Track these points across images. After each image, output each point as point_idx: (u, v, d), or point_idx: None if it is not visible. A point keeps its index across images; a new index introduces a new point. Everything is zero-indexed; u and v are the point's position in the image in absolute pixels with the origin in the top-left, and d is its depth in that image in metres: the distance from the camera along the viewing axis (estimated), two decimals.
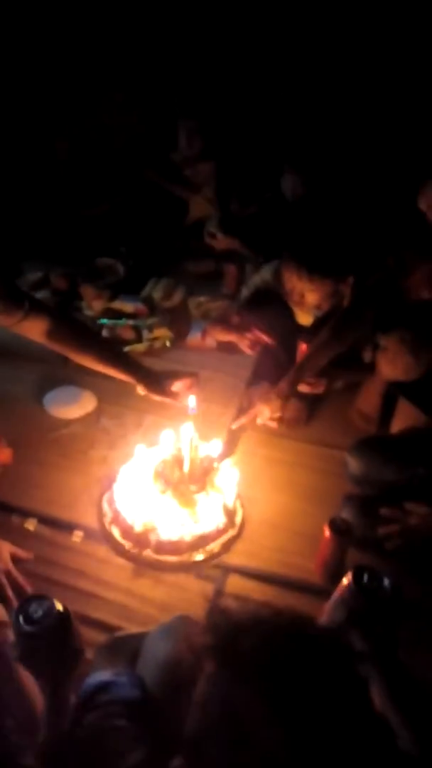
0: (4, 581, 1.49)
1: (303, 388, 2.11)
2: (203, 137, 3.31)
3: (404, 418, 1.98)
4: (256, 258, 2.66)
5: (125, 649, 1.10)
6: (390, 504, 1.68)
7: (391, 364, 1.88)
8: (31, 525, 1.72)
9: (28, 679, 1.07)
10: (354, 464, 1.83)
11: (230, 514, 1.76)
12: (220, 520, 1.73)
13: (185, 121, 3.29)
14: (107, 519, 1.74)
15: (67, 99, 3.36)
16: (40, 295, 2.73)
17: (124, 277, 2.95)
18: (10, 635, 1.08)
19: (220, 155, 3.33)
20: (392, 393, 2.03)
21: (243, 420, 2.01)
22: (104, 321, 2.63)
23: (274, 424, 2.08)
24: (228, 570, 1.66)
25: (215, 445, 1.86)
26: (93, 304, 2.72)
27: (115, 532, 1.70)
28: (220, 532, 1.72)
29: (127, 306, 2.74)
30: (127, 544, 1.68)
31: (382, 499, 1.71)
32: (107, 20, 3.38)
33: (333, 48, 3.22)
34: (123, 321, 2.63)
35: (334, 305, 2.09)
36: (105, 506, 1.78)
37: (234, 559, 1.70)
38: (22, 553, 1.59)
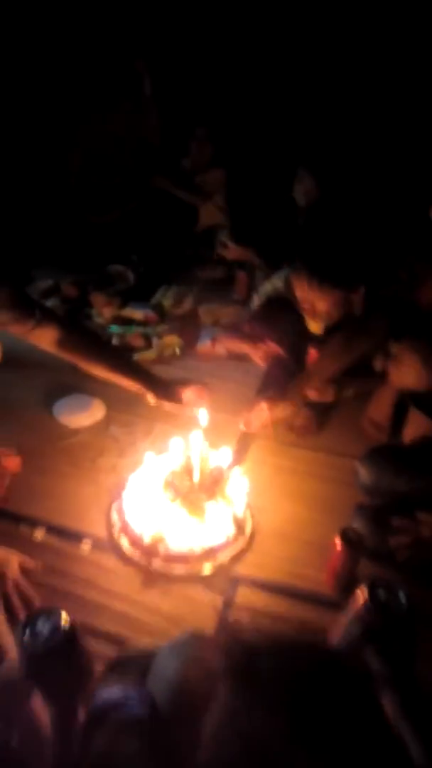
0: (12, 592, 1.48)
1: (312, 395, 2.10)
2: (213, 144, 3.31)
3: (416, 427, 1.96)
4: (268, 266, 2.65)
5: (135, 665, 1.08)
6: (402, 514, 1.66)
7: (403, 374, 1.86)
8: (39, 534, 1.71)
9: (35, 697, 1.05)
10: (365, 474, 1.81)
11: (240, 524, 1.74)
12: (230, 531, 1.71)
13: (196, 129, 3.29)
14: (116, 528, 1.73)
15: (77, 107, 3.37)
16: (51, 302, 2.74)
17: (135, 285, 2.96)
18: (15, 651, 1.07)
19: (230, 162, 3.33)
20: (404, 402, 2.01)
21: (251, 426, 1.99)
22: (114, 328, 2.63)
23: (269, 431, 2.05)
24: (238, 581, 1.64)
25: (225, 454, 1.84)
26: (103, 312, 2.72)
27: (124, 542, 1.69)
28: (229, 543, 1.70)
29: (137, 313, 2.74)
30: (135, 555, 1.66)
31: (394, 510, 1.69)
32: (118, 28, 3.40)
33: (349, 52, 3.21)
34: (133, 328, 2.63)
35: (344, 314, 2.07)
36: (114, 516, 1.76)
37: (244, 569, 1.67)
38: (30, 563, 1.57)
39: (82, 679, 1.03)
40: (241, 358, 2.43)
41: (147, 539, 1.66)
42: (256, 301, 2.33)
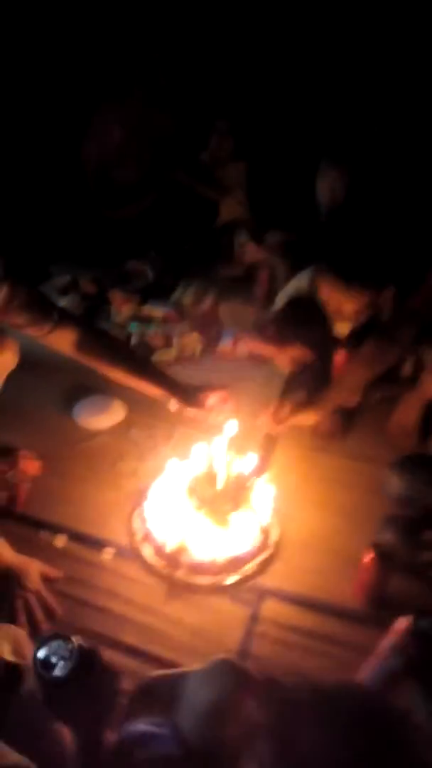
0: (34, 602, 1.44)
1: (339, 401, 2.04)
2: (234, 137, 3.23)
3: None
4: (290, 267, 2.57)
5: (162, 691, 1.04)
6: None
7: None
8: (60, 542, 1.67)
9: (57, 720, 1.01)
10: (396, 483, 1.75)
11: (266, 533, 1.69)
12: (256, 540, 1.66)
13: (216, 121, 3.21)
14: (138, 537, 1.68)
15: (90, 98, 3.31)
16: (68, 299, 2.69)
17: (154, 282, 2.90)
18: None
19: (251, 156, 3.25)
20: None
21: (272, 429, 1.94)
22: (133, 327, 2.58)
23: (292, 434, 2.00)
24: (264, 593, 1.59)
25: (250, 460, 1.79)
26: (122, 309, 2.66)
27: (147, 551, 1.65)
28: (255, 553, 1.65)
29: (157, 311, 2.68)
30: (159, 564, 1.62)
31: (426, 522, 1.63)
32: (136, 21, 3.33)
33: (376, 39, 3.11)
34: (152, 327, 2.58)
35: (372, 316, 2.00)
36: (136, 523, 1.72)
37: (270, 580, 1.62)
38: (52, 572, 1.53)
39: (103, 703, 0.98)
40: (264, 361, 2.36)
41: (170, 548, 1.61)
42: (280, 301, 2.26)
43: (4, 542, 1.48)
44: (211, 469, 1.74)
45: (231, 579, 1.60)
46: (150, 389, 1.66)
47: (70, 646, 0.96)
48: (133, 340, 2.52)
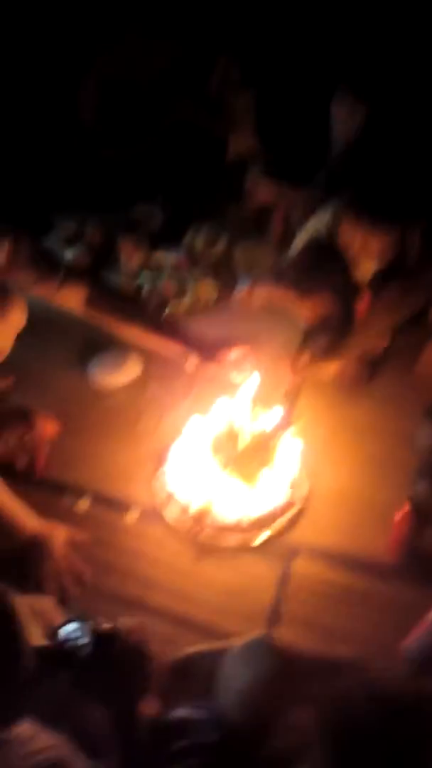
0: (62, 568, 1.41)
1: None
2: (240, 65, 2.99)
3: None
4: (308, 204, 2.41)
5: (199, 669, 1.01)
6: None
7: None
8: (84, 505, 1.63)
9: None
10: (428, 432, 1.67)
11: (294, 488, 1.64)
12: (284, 496, 1.61)
13: (221, 48, 2.97)
14: (163, 497, 1.64)
15: (93, 33, 3.08)
16: (74, 250, 2.57)
17: (163, 226, 2.75)
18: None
19: (260, 84, 3.02)
20: None
21: (298, 382, 1.86)
22: (144, 276, 2.46)
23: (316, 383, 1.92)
24: (294, 550, 1.55)
25: (274, 414, 1.72)
26: (131, 258, 2.54)
27: (172, 512, 1.60)
28: (283, 509, 1.60)
29: (168, 258, 2.55)
30: (185, 524, 1.57)
31: None
32: None
33: None
34: (164, 275, 2.46)
35: (399, 255, 1.88)
36: (159, 483, 1.67)
37: (300, 536, 1.59)
38: (78, 535, 1.50)
39: (131, 681, 0.95)
40: (283, 309, 2.24)
41: (196, 508, 1.57)
42: (298, 243, 2.13)
43: (27, 509, 1.44)
44: (234, 426, 1.67)
45: (260, 537, 1.56)
46: (166, 347, 1.58)
47: (86, 628, 0.93)
48: (145, 291, 2.40)
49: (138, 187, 2.91)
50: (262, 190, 2.76)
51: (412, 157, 2.00)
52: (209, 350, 1.58)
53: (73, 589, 1.41)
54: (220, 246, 2.64)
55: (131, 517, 1.61)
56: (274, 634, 1.35)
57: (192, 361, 1.57)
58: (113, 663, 0.96)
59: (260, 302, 2.26)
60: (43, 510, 1.49)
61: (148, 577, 1.49)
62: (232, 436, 1.66)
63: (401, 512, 1.48)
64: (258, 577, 1.49)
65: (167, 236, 2.69)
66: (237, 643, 1.00)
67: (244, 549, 1.55)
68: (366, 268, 1.99)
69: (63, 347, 2.12)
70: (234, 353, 1.59)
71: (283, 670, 0.83)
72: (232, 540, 1.55)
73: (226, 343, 1.60)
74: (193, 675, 1.01)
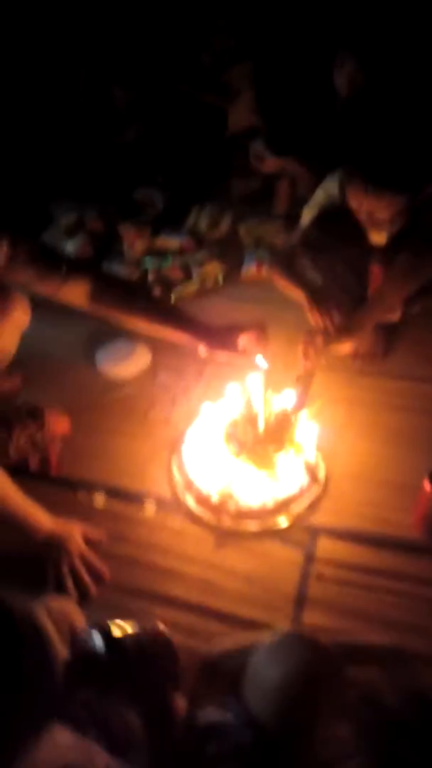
0: (80, 567, 1.40)
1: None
2: (237, 34, 2.89)
3: None
4: (313, 175, 2.32)
5: (227, 668, 0.98)
6: None
7: None
8: (99, 500, 1.60)
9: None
10: None
11: (313, 470, 1.60)
12: (303, 479, 1.57)
13: (216, 19, 2.87)
14: (179, 486, 1.61)
15: (87, 16, 2.99)
16: (76, 241, 2.52)
17: (165, 209, 2.69)
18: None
19: (258, 53, 2.91)
20: None
21: (312, 364, 1.81)
22: (148, 261, 2.41)
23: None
24: (317, 532, 1.51)
25: (288, 396, 1.67)
26: (134, 245, 2.49)
27: (190, 501, 1.57)
28: (303, 492, 1.56)
29: (172, 242, 2.50)
30: (204, 513, 1.55)
31: None
32: None
33: None
34: (169, 259, 2.40)
35: (410, 220, 1.80)
36: (175, 473, 1.64)
37: (322, 519, 1.55)
38: (95, 533, 1.48)
39: (161, 679, 0.93)
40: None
41: (215, 496, 1.53)
42: (306, 217, 2.05)
43: (42, 509, 1.42)
44: (249, 411, 1.62)
45: (281, 521, 1.52)
46: (175, 336, 1.54)
47: (101, 635, 0.91)
48: (150, 277, 2.36)
49: (137, 170, 2.85)
50: (265, 162, 2.68)
51: (419, 123, 1.91)
52: (218, 336, 1.52)
53: (92, 587, 1.39)
54: (225, 225, 2.58)
55: (149, 509, 1.59)
56: (303, 622, 1.32)
57: (202, 348, 1.52)
58: (137, 666, 0.94)
59: (269, 276, 2.20)
60: (58, 508, 1.47)
61: (169, 569, 1.46)
62: (248, 422, 1.62)
63: (425, 488, 1.43)
64: (282, 562, 1.46)
65: (169, 219, 2.63)
66: (265, 638, 0.97)
67: (266, 534, 1.51)
68: (377, 237, 1.92)
69: (68, 339, 2.09)
70: (245, 338, 1.53)
71: (318, 671, 0.79)
72: (253, 526, 1.52)
73: (236, 328, 1.54)
74: (222, 674, 0.98)
